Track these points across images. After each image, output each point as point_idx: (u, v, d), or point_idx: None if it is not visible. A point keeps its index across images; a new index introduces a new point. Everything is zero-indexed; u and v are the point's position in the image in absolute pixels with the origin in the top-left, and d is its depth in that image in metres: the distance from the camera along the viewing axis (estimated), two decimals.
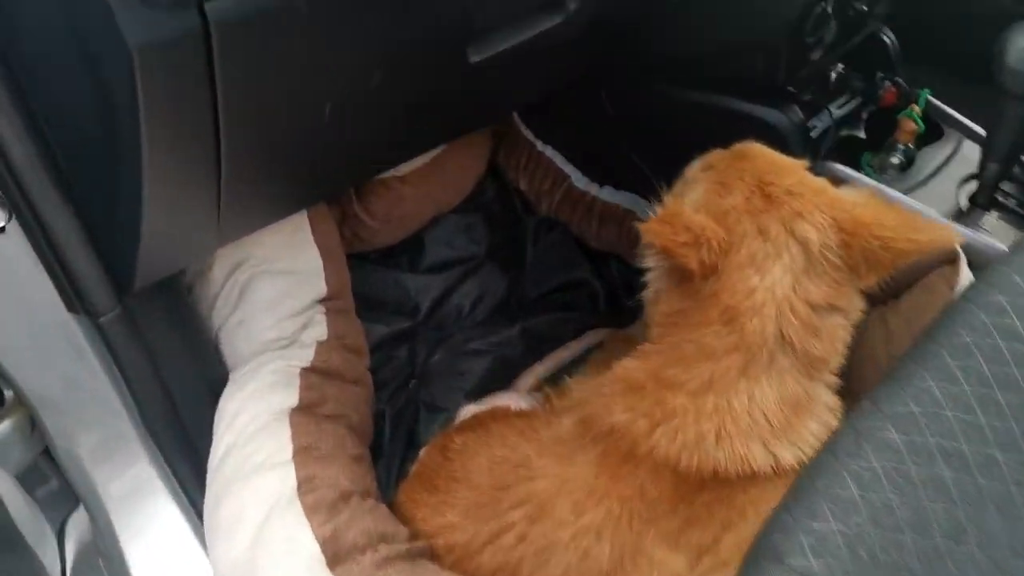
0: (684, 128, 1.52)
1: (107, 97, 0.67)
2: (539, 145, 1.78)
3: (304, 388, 1.13)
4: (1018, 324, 0.78)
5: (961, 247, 1.10)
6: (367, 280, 1.49)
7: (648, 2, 1.26)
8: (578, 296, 1.64)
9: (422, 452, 1.27)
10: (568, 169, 1.75)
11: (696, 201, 0.99)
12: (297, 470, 0.99)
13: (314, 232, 1.26)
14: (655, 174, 1.68)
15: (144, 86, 0.62)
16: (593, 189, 1.72)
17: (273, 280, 1.19)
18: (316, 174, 1.00)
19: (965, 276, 1.12)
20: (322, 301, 1.26)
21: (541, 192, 1.75)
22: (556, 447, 1.02)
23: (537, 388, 1.51)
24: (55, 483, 1.22)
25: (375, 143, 1.04)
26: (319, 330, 1.22)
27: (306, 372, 1.16)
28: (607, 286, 1.65)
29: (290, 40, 0.69)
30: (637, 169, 1.68)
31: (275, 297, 1.19)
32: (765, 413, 0.85)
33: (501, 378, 1.50)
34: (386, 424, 1.40)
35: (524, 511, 1.00)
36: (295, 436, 1.04)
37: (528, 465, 1.05)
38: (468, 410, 1.32)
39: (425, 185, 1.46)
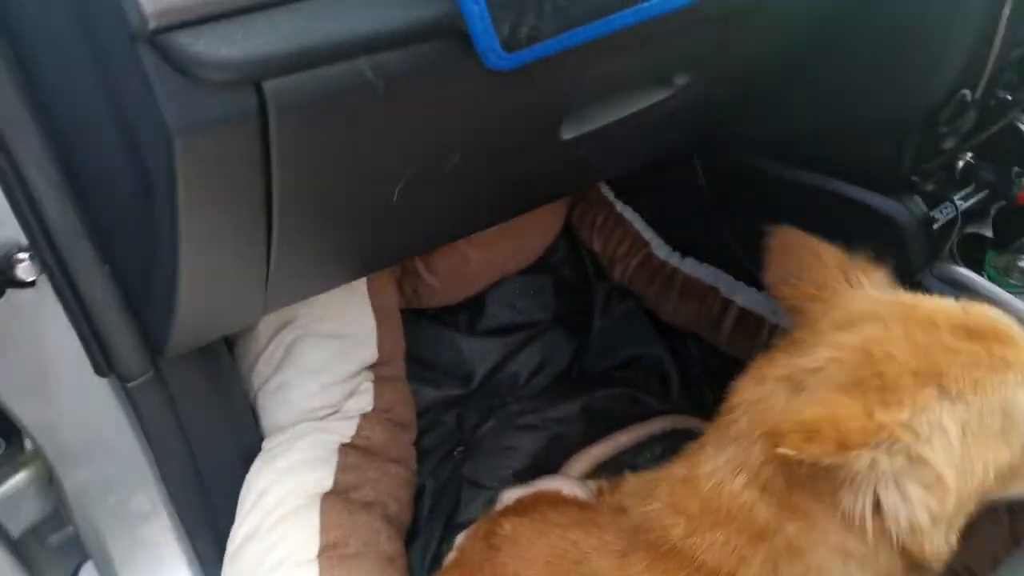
0: (786, 209, 1.37)
1: (144, 174, 0.57)
2: (618, 206, 1.66)
3: (341, 469, 1.02)
4: None
5: None
6: (420, 338, 1.39)
7: (770, 75, 1.13)
8: (648, 375, 1.50)
9: (460, 538, 1.15)
10: (648, 234, 1.62)
11: None
12: (321, 573, 0.88)
13: (371, 292, 1.16)
14: (746, 251, 1.54)
15: (185, 171, 0.53)
16: (674, 259, 1.58)
17: (321, 343, 1.09)
18: (378, 245, 0.90)
19: None
20: (371, 367, 1.15)
21: (616, 256, 1.62)
22: (617, 545, 0.91)
23: (590, 475, 1.39)
24: (72, 530, 1.15)
25: (447, 220, 0.94)
26: (364, 400, 1.12)
27: (345, 448, 1.06)
28: (681, 367, 1.50)
29: (361, 121, 0.59)
30: (726, 243, 1.54)
31: (322, 362, 1.09)
32: None
33: (554, 459, 1.37)
34: (425, 500, 1.29)
35: None
36: (324, 528, 0.94)
37: (588, 564, 0.92)
38: (512, 494, 1.19)
39: (494, 248, 1.36)
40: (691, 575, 0.85)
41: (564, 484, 1.23)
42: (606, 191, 1.67)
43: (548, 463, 1.36)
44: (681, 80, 0.91)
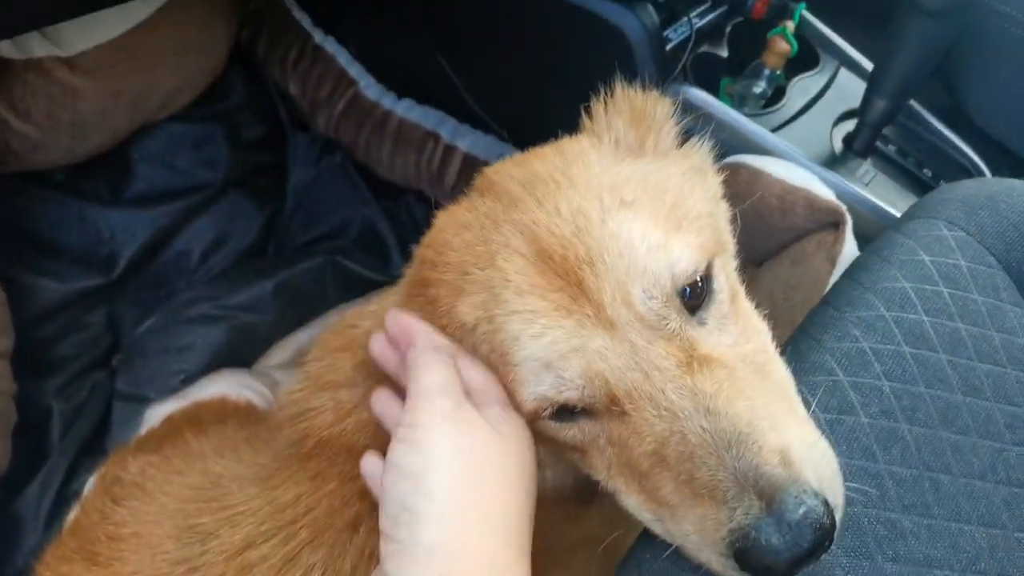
0: (510, 28, 1.13)
1: None
2: (318, 37, 1.33)
3: None
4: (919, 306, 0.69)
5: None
6: (31, 213, 1.01)
7: None
8: (360, 242, 1.23)
9: (89, 484, 0.85)
10: (355, 71, 1.32)
11: None
12: None
13: None
14: (469, 87, 1.29)
15: None
16: (388, 100, 1.30)
17: None
18: None
19: (849, 243, 0.83)
20: None
21: (317, 100, 1.31)
22: (267, 466, 0.72)
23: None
24: None
25: None
26: None
27: None
28: (399, 230, 1.25)
29: None
30: (446, 78, 1.28)
31: None
32: None
33: (241, 354, 1.08)
34: (53, 427, 0.96)
35: None
36: None
37: (228, 500, 0.69)
38: (160, 411, 0.90)
39: (111, 75, 0.97)
40: (344, 481, 0.63)
41: (233, 385, 0.96)
42: (301, 18, 1.32)
43: (234, 361, 1.08)
44: None
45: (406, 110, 1.29)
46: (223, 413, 0.88)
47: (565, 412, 0.56)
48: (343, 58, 1.33)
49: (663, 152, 0.66)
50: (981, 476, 0.64)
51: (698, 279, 0.56)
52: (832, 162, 1.14)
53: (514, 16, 1.16)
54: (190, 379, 1.04)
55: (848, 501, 0.59)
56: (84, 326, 1.07)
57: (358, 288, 1.19)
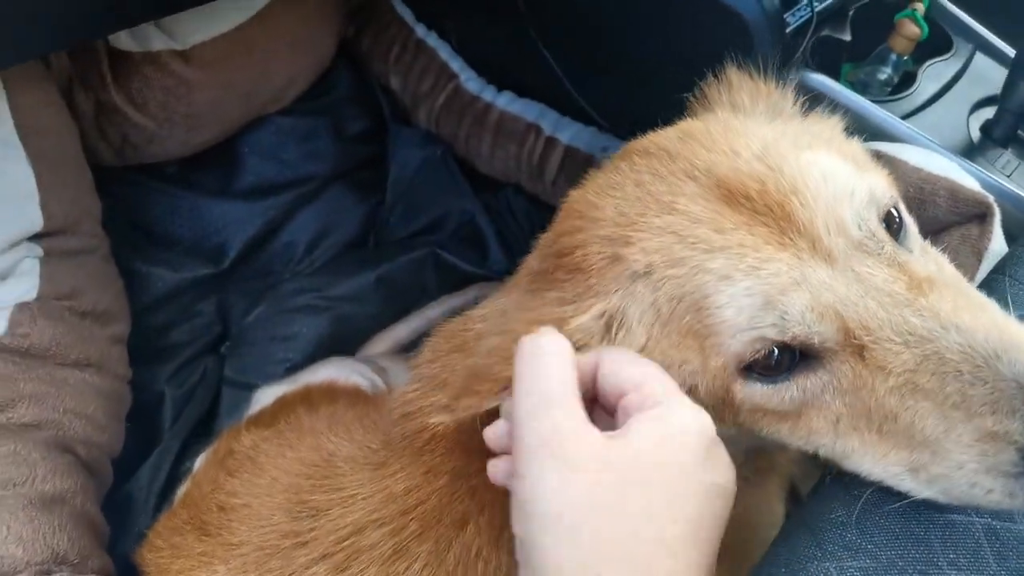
0: (617, 15, 1.09)
1: None
2: (420, 31, 1.33)
3: None
4: None
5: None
6: (146, 203, 1.04)
7: None
8: (459, 236, 1.22)
9: (199, 460, 0.86)
10: (457, 65, 1.31)
11: None
12: None
13: (23, 130, 0.79)
14: (573, 80, 1.26)
15: None
16: (488, 93, 1.28)
17: None
18: None
19: (998, 238, 0.75)
20: (36, 239, 0.80)
21: (419, 94, 1.30)
22: (378, 451, 0.71)
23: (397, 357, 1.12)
24: None
25: None
26: (24, 285, 0.77)
27: None
28: (499, 224, 1.23)
29: None
30: (549, 71, 1.25)
31: None
32: None
33: (343, 345, 1.09)
34: (165, 412, 0.98)
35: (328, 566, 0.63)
36: None
37: (339, 480, 0.68)
38: (271, 392, 0.91)
39: (224, 67, 0.99)
40: (455, 478, 0.61)
41: (342, 370, 0.96)
42: (404, 12, 1.33)
43: (337, 351, 1.08)
44: None
45: (507, 103, 1.27)
46: (333, 395, 0.88)
47: (778, 368, 0.50)
48: (444, 52, 1.32)
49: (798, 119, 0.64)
50: None
51: (893, 210, 0.53)
52: (970, 151, 1.05)
53: (621, 1, 1.12)
54: (295, 368, 1.05)
55: (1014, 519, 0.52)
56: (196, 314, 1.09)
57: (457, 281, 1.18)
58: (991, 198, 0.79)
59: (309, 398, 0.85)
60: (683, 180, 0.55)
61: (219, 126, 1.04)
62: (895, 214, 0.54)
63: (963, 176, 0.82)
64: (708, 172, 0.54)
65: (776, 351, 0.50)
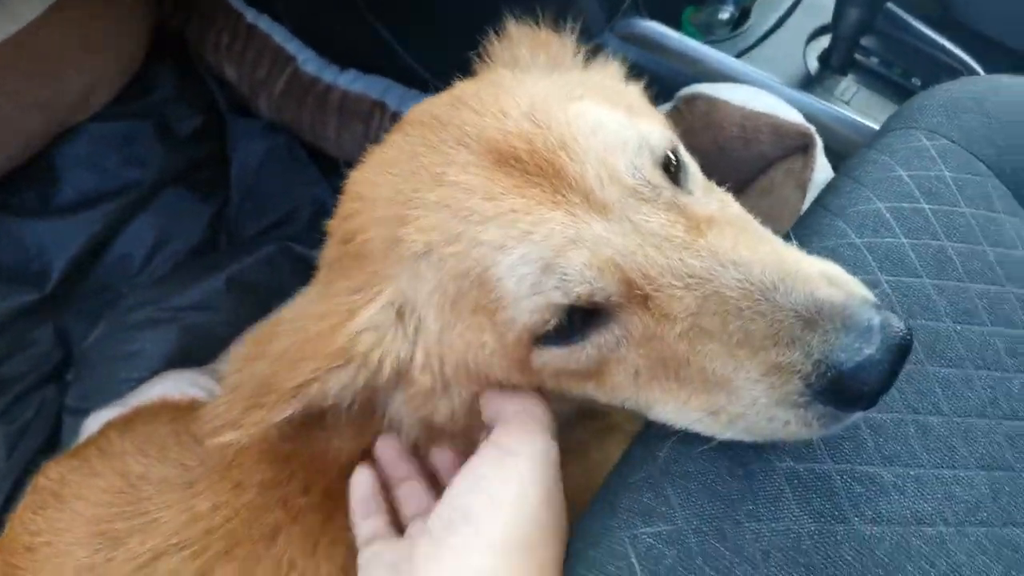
0: None
1: None
2: (250, 16, 1.25)
3: None
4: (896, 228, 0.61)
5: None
6: None
7: None
8: (314, 225, 1.16)
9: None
10: (292, 47, 1.24)
11: None
12: None
13: None
14: (411, 50, 1.20)
15: None
16: (329, 74, 1.22)
17: None
18: None
19: (821, 168, 0.74)
20: None
21: (256, 82, 1.23)
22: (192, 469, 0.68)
23: None
24: None
25: None
26: None
27: None
28: None
29: None
30: (386, 43, 1.19)
31: None
32: None
33: (199, 357, 1.02)
34: None
35: None
36: None
37: (148, 505, 0.64)
38: (100, 417, 0.85)
39: (7, 78, 0.89)
40: (265, 489, 0.57)
41: (178, 384, 0.90)
42: None
43: (190, 364, 1.01)
44: None
45: (350, 82, 1.21)
46: (162, 413, 0.82)
47: (571, 329, 0.48)
48: (279, 35, 1.25)
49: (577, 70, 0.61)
50: (979, 412, 0.56)
51: (670, 154, 0.51)
52: (808, 83, 1.04)
53: None
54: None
55: (816, 459, 0.51)
56: (30, 343, 1.02)
57: (314, 273, 1.12)
58: (812, 129, 0.78)
59: (131, 420, 0.79)
60: (454, 148, 0.51)
61: (21, 141, 0.96)
62: (673, 157, 0.52)
63: (786, 110, 0.80)
64: (479, 137, 0.51)
65: (566, 314, 0.48)
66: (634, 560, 0.46)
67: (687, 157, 0.54)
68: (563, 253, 0.46)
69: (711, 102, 0.81)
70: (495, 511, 0.46)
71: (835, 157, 0.79)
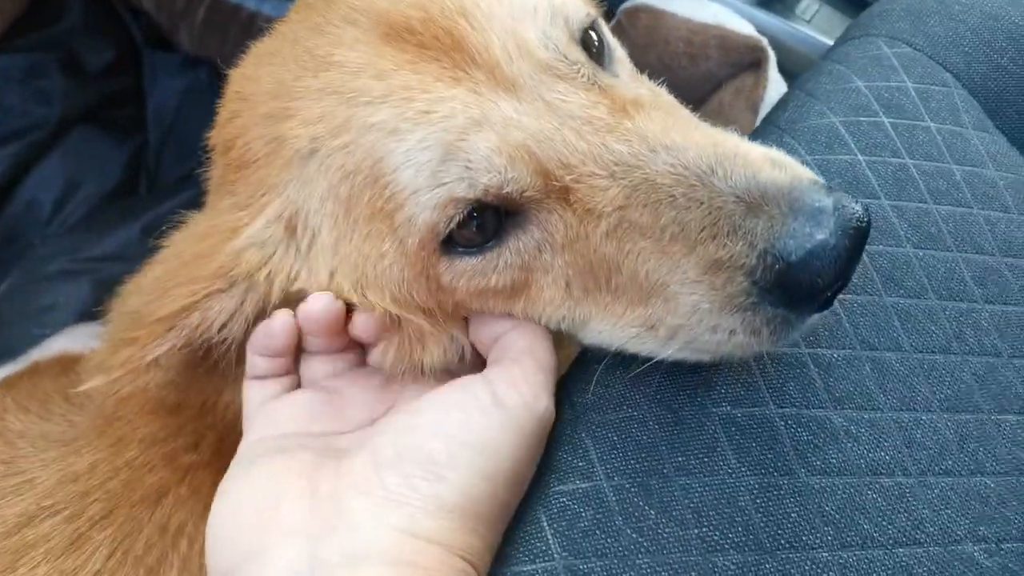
0: None
1: None
2: None
3: None
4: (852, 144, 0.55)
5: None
6: None
7: None
8: None
9: None
10: None
11: None
12: None
13: None
14: None
15: None
16: (252, 1, 1.12)
17: None
18: None
19: (774, 85, 0.67)
20: None
21: (175, 13, 1.12)
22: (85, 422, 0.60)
23: None
24: None
25: None
26: None
27: None
28: None
29: None
30: None
31: None
32: None
33: None
34: None
35: None
36: None
37: (21, 465, 0.57)
38: None
39: None
40: (149, 445, 0.54)
41: (81, 338, 0.84)
42: None
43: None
44: None
45: (275, 7, 1.11)
46: (52, 368, 0.75)
47: (483, 233, 0.41)
48: None
49: None
50: (943, 348, 0.50)
51: (591, 32, 0.45)
52: (766, 2, 0.96)
53: None
54: None
55: (756, 402, 0.45)
56: None
57: None
58: (764, 41, 0.70)
59: (17, 377, 0.72)
60: (342, 27, 0.44)
61: None
62: (594, 36, 0.45)
63: (735, 21, 0.72)
64: (368, 11, 0.43)
65: (475, 213, 0.40)
66: (545, 524, 0.40)
67: (611, 38, 0.46)
68: (466, 136, 0.39)
69: (655, 14, 0.73)
70: (466, 476, 0.37)
71: (792, 80, 0.73)
